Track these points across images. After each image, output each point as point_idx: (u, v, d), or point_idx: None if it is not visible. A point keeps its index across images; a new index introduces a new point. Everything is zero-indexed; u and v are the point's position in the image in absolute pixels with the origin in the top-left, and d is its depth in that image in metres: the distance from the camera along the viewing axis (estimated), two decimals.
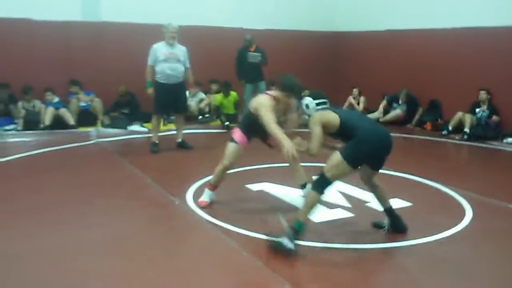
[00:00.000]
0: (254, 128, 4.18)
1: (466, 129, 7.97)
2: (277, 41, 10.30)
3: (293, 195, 4.76)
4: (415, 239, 3.70)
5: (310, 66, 10.63)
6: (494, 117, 8.00)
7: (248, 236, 3.73)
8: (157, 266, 3.24)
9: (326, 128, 3.49)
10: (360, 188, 4.91)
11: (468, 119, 8.02)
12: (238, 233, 3.78)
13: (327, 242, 3.63)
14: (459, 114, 8.25)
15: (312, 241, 3.62)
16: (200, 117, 9.49)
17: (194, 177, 5.27)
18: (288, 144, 3.64)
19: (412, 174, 5.52)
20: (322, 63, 11.04)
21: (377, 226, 3.89)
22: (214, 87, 9.75)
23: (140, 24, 9.12)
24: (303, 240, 3.50)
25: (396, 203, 4.58)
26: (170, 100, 6.65)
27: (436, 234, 3.79)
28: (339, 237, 3.77)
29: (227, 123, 8.85)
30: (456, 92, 8.77)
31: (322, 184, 3.42)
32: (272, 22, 10.58)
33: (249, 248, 3.50)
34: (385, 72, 10.06)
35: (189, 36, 7.53)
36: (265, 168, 5.83)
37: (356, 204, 4.54)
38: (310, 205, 3.42)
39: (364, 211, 4.36)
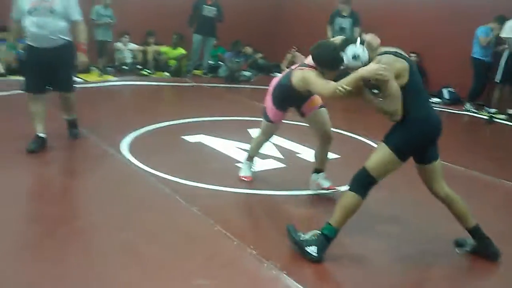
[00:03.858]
0: (291, 100, 3.59)
1: None
2: None
3: (228, 147, 4.89)
4: (340, 186, 3.96)
5: (254, 24, 10.62)
6: None
7: (186, 184, 3.83)
8: (93, 213, 3.29)
9: (396, 75, 2.59)
10: (291, 140, 5.15)
11: None
12: (175, 182, 3.86)
13: (258, 189, 3.81)
14: None
15: (246, 189, 3.81)
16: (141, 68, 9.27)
17: (129, 127, 5.25)
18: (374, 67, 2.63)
19: (341, 129, 5.79)
20: (264, 23, 11.04)
21: (459, 245, 3.03)
22: (151, 39, 9.55)
23: None
24: (237, 188, 3.66)
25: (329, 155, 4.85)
26: (43, 72, 4.37)
27: None
28: (272, 185, 3.95)
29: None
30: None
31: (363, 182, 2.72)
32: None
33: (186, 196, 3.59)
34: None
35: None
36: (202, 121, 5.91)
37: (288, 155, 4.75)
38: (347, 210, 2.70)
39: (295, 162, 4.58)
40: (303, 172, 4.36)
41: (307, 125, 3.83)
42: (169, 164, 4.24)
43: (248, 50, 10.05)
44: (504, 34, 7.44)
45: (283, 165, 4.49)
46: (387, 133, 2.74)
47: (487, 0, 8.08)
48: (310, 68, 3.24)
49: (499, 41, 7.64)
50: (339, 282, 2.77)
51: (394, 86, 2.56)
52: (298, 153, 4.86)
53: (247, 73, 9.46)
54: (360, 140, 5.54)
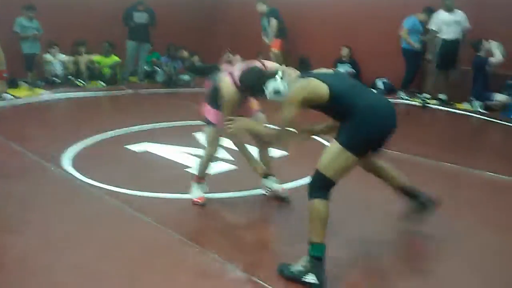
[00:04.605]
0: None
1: None
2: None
3: (175, 153, 4.79)
4: (296, 180, 4.00)
5: (188, 27, 10.50)
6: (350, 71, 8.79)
7: (137, 195, 3.70)
8: (39, 234, 3.10)
9: (309, 102, 2.66)
10: None
11: None
12: (125, 194, 3.73)
13: (212, 193, 3.76)
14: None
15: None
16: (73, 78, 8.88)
17: (67, 141, 5.02)
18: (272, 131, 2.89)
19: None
20: (199, 25, 10.94)
21: (408, 216, 3.21)
22: (82, 48, 9.20)
23: None
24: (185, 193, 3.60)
25: (274, 153, 4.87)
26: None
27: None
28: (225, 187, 3.90)
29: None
30: (322, 50, 9.34)
31: (320, 185, 2.60)
32: None
33: (139, 207, 3.48)
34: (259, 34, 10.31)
35: None
36: (145, 129, 5.76)
37: (238, 157, 4.72)
38: (316, 219, 2.55)
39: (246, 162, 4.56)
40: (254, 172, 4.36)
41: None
42: (116, 176, 4.10)
43: (184, 53, 9.93)
44: (432, 26, 7.82)
45: (234, 167, 4.46)
46: (338, 131, 2.67)
47: None
48: (230, 80, 3.30)
49: (427, 31, 8.00)
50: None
51: (291, 111, 2.68)
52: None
53: (185, 77, 9.34)
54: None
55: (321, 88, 2.62)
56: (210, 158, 3.66)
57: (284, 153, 4.73)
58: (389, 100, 2.84)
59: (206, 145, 3.65)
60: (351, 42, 8.94)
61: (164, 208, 3.52)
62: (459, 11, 7.58)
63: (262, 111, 3.70)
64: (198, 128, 5.58)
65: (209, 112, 3.55)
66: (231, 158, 4.67)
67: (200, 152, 4.54)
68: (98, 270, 2.66)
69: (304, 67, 8.62)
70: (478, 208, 3.73)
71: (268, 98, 2.82)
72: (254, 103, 3.64)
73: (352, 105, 2.60)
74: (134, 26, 9.09)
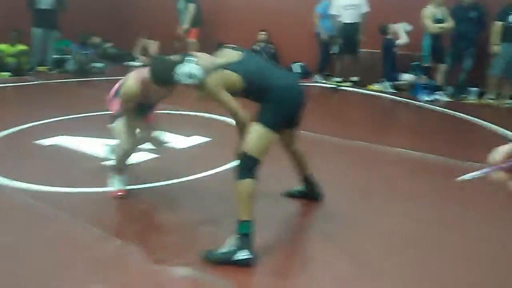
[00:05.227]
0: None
1: None
2: None
3: (91, 145, 4.59)
4: (218, 167, 4.00)
5: (102, 12, 10.04)
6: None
7: (51, 191, 3.51)
8: None
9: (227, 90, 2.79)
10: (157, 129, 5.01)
11: None
12: (37, 190, 3.51)
13: (133, 185, 3.66)
14: None
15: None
16: None
17: None
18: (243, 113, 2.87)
19: (210, 113, 5.81)
20: (113, 10, 10.50)
21: (291, 195, 3.49)
22: None
23: None
24: (109, 187, 3.47)
25: (196, 140, 4.84)
26: None
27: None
28: (146, 177, 3.81)
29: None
30: (239, 36, 9.34)
31: (250, 166, 2.68)
32: None
33: (54, 203, 3.31)
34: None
35: None
36: (57, 122, 5.45)
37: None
38: (246, 198, 2.64)
39: (166, 151, 4.48)
40: (176, 160, 4.31)
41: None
42: (26, 172, 3.85)
43: (96, 40, 9.51)
44: (333, 11, 8.08)
45: (154, 156, 4.36)
46: (257, 113, 2.78)
47: None
48: (137, 80, 3.14)
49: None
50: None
51: (224, 97, 2.78)
52: (166, 142, 4.74)
53: (98, 65, 8.95)
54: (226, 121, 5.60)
55: (233, 78, 2.77)
56: (127, 151, 3.47)
57: (208, 139, 4.71)
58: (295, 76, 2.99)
59: (119, 139, 3.46)
60: (267, 26, 9.02)
61: (81, 203, 3.37)
62: None
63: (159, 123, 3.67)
64: (111, 119, 5.39)
65: (114, 103, 3.44)
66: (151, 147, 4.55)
67: (113, 142, 4.42)
68: (12, 274, 2.49)
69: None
70: (395, 183, 3.94)
71: (181, 83, 2.80)
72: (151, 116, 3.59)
73: (266, 88, 2.75)
74: (39, 12, 8.51)
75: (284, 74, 3.07)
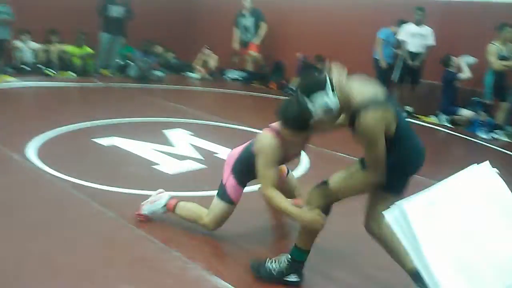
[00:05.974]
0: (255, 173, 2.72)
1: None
2: None
3: (143, 149, 4.75)
4: None
5: (165, 23, 10.42)
6: None
7: (101, 189, 3.66)
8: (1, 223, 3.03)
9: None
10: (208, 141, 5.14)
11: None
12: (89, 187, 3.67)
13: (179, 191, 3.74)
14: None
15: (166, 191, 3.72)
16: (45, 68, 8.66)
17: (33, 131, 4.91)
18: (308, 216, 2.44)
19: (261, 129, 5.85)
20: (176, 21, 10.88)
21: None
22: (54, 37, 9.02)
23: None
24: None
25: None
26: None
27: None
28: (192, 186, 3.88)
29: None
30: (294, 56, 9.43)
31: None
32: None
33: (103, 201, 3.44)
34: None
35: None
36: (114, 123, 5.69)
37: (207, 156, 4.73)
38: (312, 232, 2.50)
39: (214, 162, 4.57)
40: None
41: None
42: (81, 169, 4.04)
43: (159, 49, 9.86)
44: (400, 36, 7.99)
45: (203, 166, 4.45)
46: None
47: (388, 4, 8.59)
48: (272, 132, 2.66)
49: (398, 43, 8.15)
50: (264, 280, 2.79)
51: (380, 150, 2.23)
52: (216, 153, 4.84)
53: (158, 73, 9.26)
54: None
55: (391, 119, 2.23)
56: (205, 228, 3.00)
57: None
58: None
59: (208, 218, 2.96)
60: (327, 52, 8.97)
61: (128, 204, 3.47)
62: (427, 26, 7.77)
63: (291, 170, 3.35)
64: (167, 125, 5.58)
65: (231, 187, 2.94)
66: (200, 157, 4.66)
67: (167, 148, 4.55)
68: (59, 263, 2.63)
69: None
70: None
71: (315, 120, 2.23)
72: (282, 166, 3.10)
73: (403, 139, 2.33)
74: (109, 19, 8.97)
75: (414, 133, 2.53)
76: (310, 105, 2.16)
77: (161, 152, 4.69)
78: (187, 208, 3.08)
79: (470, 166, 1.98)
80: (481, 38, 7.21)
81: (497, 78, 7.08)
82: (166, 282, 2.55)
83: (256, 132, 5.64)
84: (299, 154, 2.95)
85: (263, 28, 9.23)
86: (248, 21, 9.32)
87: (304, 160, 4.74)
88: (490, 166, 1.91)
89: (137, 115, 6.11)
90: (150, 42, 9.45)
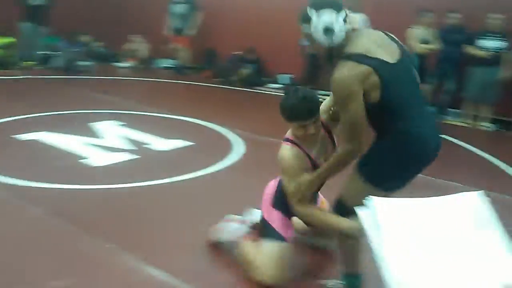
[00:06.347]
0: None
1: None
2: None
3: (71, 143, 4.55)
4: (199, 170, 4.00)
5: (93, 11, 10.00)
6: None
7: (27, 186, 3.48)
8: None
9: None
10: (141, 131, 5.03)
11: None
12: (13, 185, 3.48)
13: (110, 184, 3.64)
14: None
15: (96, 185, 3.61)
16: None
17: None
18: (347, 223, 2.09)
19: (195, 118, 5.80)
20: (104, 11, 10.46)
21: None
22: None
23: None
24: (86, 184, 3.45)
25: (181, 143, 4.80)
26: None
27: (216, 165, 4.17)
28: (125, 177, 3.78)
29: None
30: (230, 43, 9.37)
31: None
32: None
33: (29, 198, 3.29)
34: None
35: None
36: (38, 117, 5.41)
37: (139, 146, 4.62)
38: (350, 249, 2.20)
39: (147, 152, 4.47)
40: (156, 161, 4.30)
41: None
42: (2, 166, 3.81)
43: (86, 38, 9.47)
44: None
45: (135, 157, 4.33)
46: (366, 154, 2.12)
47: None
48: (287, 143, 2.38)
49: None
50: (201, 266, 2.76)
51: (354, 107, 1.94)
52: (148, 143, 4.74)
53: (86, 63, 8.89)
54: (211, 127, 5.60)
55: (375, 82, 1.91)
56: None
57: (192, 143, 4.72)
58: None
59: (263, 269, 2.39)
60: (256, 38, 8.97)
61: (58, 199, 3.34)
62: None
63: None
64: (95, 117, 5.37)
65: (273, 216, 2.49)
66: (133, 148, 4.54)
67: (95, 141, 4.39)
68: None
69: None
70: None
71: (308, 34, 2.03)
72: (324, 201, 2.75)
73: (400, 115, 1.95)
74: (29, 7, 8.43)
75: (427, 114, 2.14)
76: (314, 17, 1.97)
77: (90, 144, 4.53)
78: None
79: (461, 193, 1.80)
80: (403, 24, 7.50)
81: (419, 61, 7.41)
82: (100, 275, 2.48)
83: (189, 122, 5.67)
84: (331, 151, 2.39)
85: (198, 17, 9.07)
86: (182, 8, 9.12)
87: (240, 147, 4.75)
88: (483, 195, 1.69)
89: (62, 108, 5.84)
90: (76, 32, 9.04)
